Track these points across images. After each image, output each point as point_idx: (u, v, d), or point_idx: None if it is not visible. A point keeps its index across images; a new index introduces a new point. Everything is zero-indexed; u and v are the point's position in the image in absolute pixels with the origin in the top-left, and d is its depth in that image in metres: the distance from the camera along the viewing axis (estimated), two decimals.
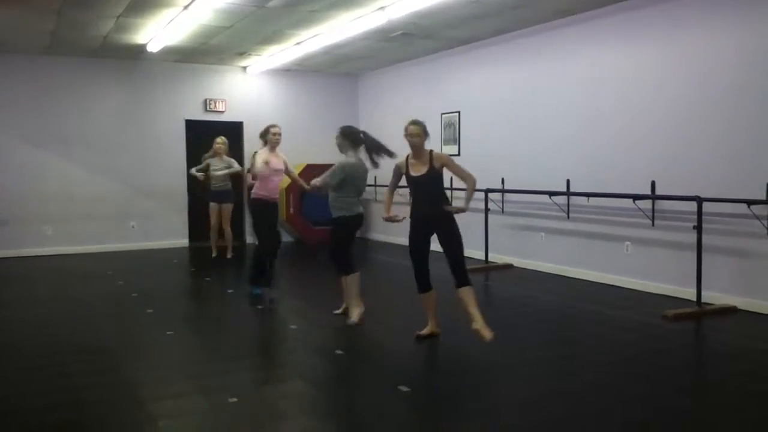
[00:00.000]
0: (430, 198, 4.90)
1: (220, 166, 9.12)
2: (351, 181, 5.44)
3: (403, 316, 5.81)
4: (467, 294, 4.80)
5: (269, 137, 6.49)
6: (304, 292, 7.56)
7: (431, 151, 4.94)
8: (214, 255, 9.32)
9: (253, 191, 6.67)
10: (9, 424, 3.55)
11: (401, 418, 3.68)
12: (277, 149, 6.59)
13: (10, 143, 9.63)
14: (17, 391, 4.05)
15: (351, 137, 5.63)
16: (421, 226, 4.94)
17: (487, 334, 4.60)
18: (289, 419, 3.61)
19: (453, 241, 4.86)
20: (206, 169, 9.23)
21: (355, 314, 5.46)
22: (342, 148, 5.59)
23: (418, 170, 4.91)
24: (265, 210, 6.61)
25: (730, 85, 5.97)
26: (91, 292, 7.05)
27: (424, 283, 5.02)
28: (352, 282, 5.52)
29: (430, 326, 5.05)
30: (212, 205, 9.23)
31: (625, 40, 6.97)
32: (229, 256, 9.25)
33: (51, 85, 9.84)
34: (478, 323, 4.66)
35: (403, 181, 5.04)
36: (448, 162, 4.93)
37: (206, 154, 9.24)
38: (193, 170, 9.27)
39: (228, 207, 9.27)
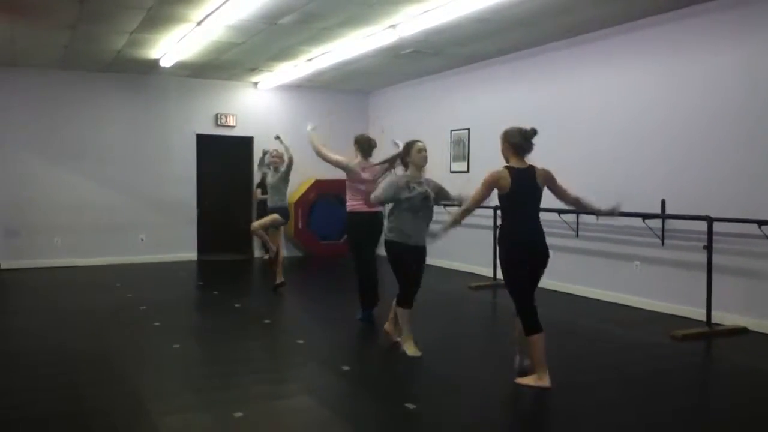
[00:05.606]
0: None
1: (275, 177, 7.86)
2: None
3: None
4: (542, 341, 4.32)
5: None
6: (312, 306, 7.55)
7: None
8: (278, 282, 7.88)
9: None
10: None
11: None
12: (370, 159, 6.25)
13: (22, 155, 9.72)
14: (24, 400, 4.06)
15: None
16: (531, 250, 4.31)
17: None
18: None
19: (540, 276, 4.40)
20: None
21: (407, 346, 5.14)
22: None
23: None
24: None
25: (742, 105, 5.96)
26: (100, 304, 7.07)
27: (537, 321, 4.30)
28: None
29: (543, 375, 4.27)
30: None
31: (633, 58, 6.99)
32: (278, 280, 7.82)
33: (64, 99, 9.96)
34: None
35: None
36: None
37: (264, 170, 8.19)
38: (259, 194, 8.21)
39: (274, 217, 7.81)
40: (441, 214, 5.70)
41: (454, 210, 4.70)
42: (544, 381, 4.24)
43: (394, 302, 5.16)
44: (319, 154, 6.37)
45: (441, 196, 5.21)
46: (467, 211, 4.44)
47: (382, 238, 5.35)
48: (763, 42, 5.80)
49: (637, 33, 6.92)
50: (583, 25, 7.17)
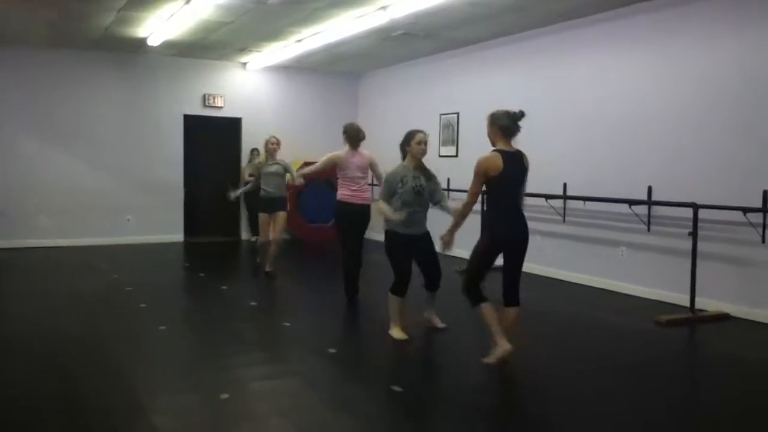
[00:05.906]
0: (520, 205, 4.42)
1: (273, 167, 7.67)
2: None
3: None
4: (515, 314, 4.46)
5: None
6: (299, 289, 7.55)
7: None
8: (267, 270, 7.71)
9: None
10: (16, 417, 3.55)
11: (392, 417, 3.68)
12: (360, 148, 6.24)
13: (7, 134, 9.59)
14: (18, 383, 4.04)
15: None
16: (512, 244, 4.37)
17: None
18: (280, 416, 3.60)
19: (523, 260, 4.46)
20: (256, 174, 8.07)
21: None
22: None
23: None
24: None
25: (728, 92, 5.98)
26: (86, 286, 7.03)
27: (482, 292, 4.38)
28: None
29: (501, 341, 4.30)
30: (262, 216, 7.75)
31: (623, 45, 6.98)
32: (268, 269, 7.68)
33: (50, 77, 9.81)
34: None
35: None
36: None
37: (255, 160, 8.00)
38: (233, 193, 8.18)
39: (281, 215, 7.67)
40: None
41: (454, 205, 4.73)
42: (504, 345, 4.25)
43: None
44: (314, 175, 6.93)
45: (432, 196, 5.15)
46: (468, 207, 4.38)
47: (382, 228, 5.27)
48: (751, 33, 5.80)
49: (627, 20, 6.89)
50: (575, 11, 7.14)
